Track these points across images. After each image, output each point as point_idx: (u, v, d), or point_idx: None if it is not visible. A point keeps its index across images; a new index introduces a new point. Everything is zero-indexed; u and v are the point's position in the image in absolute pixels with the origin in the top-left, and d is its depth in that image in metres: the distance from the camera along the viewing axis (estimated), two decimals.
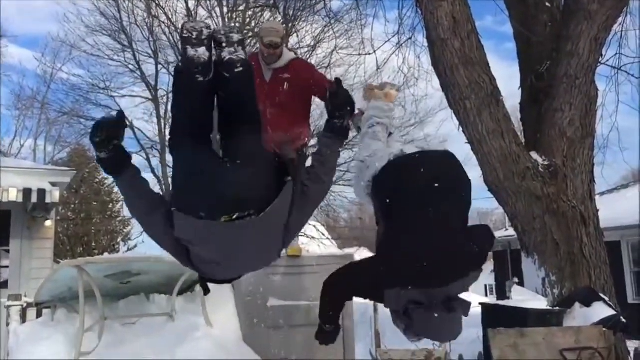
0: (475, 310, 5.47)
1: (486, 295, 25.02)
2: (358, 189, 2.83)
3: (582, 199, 6.02)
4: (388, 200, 2.54)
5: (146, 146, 17.61)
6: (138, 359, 3.74)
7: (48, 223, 9.36)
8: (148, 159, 17.69)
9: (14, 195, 8.29)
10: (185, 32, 2.24)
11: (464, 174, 2.60)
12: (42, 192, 8.44)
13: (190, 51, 2.22)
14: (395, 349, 5.07)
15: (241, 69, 2.27)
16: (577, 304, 5.23)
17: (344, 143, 2.69)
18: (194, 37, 2.23)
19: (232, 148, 2.31)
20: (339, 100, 2.55)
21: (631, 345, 5.36)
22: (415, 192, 2.48)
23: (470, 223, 2.67)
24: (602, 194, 13.68)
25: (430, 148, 2.67)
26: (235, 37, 2.29)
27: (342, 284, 2.65)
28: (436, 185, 2.46)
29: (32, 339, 3.91)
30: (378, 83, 3.25)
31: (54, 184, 8.85)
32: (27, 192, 8.38)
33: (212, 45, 2.27)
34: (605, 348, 4.73)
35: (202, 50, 2.23)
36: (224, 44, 2.26)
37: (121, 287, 4.17)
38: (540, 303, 5.17)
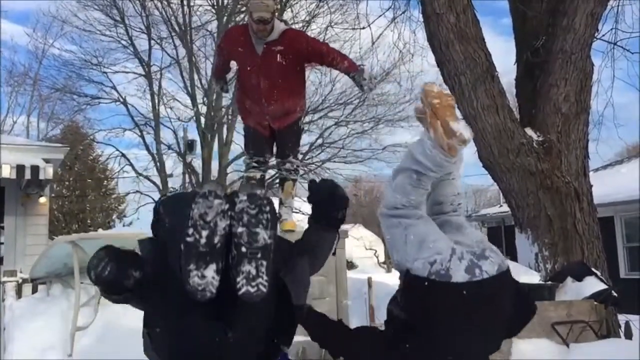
0: None
1: None
2: (383, 229, 2.36)
3: (576, 174, 6.04)
4: (419, 314, 2.16)
5: (140, 123, 17.52)
6: (134, 333, 3.77)
7: (42, 200, 9.35)
8: (142, 136, 17.63)
9: (7, 172, 8.26)
10: (191, 232, 1.69)
11: (515, 302, 2.20)
12: (35, 169, 8.41)
13: (194, 277, 1.69)
14: None
15: (259, 299, 1.75)
16: (569, 279, 5.27)
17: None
18: (202, 241, 1.69)
19: (230, 311, 1.83)
20: (328, 199, 2.20)
21: (622, 318, 5.42)
22: (455, 324, 2.09)
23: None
24: (596, 170, 13.74)
25: (483, 269, 2.09)
26: (262, 237, 1.73)
27: (342, 347, 2.39)
28: (482, 322, 2.10)
29: (27, 314, 3.93)
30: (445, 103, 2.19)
31: (47, 161, 8.82)
32: (20, 169, 8.35)
33: (226, 242, 1.75)
34: (597, 321, 4.79)
35: (210, 274, 1.71)
36: (243, 249, 1.72)
37: None
38: (532, 278, 5.21)
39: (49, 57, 19.52)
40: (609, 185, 12.03)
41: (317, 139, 17.00)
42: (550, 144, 5.98)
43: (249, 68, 4.43)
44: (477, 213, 21.15)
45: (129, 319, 3.88)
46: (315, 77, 14.91)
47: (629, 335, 5.00)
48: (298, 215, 16.14)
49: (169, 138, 18.53)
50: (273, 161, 5.18)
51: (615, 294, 5.21)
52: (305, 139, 16.28)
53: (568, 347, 4.46)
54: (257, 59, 4.33)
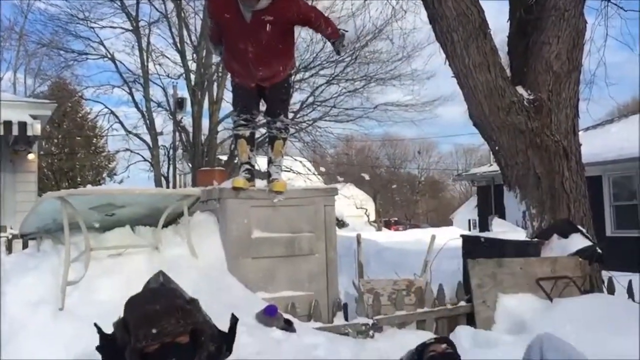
0: (457, 242, 5.61)
1: (469, 229, 25.58)
2: None
3: (566, 133, 6.07)
4: None
5: (129, 80, 17.28)
6: (124, 287, 3.81)
7: (31, 156, 9.31)
8: (131, 93, 17.43)
9: None
10: None
11: None
12: (23, 125, 8.35)
13: None
14: (377, 279, 5.20)
15: None
16: (555, 236, 5.36)
17: None
18: None
19: None
20: None
21: (606, 274, 5.53)
22: None
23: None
24: (586, 129, 13.79)
25: None
26: None
27: None
28: None
29: (18, 269, 3.94)
30: None
31: (34, 117, 8.75)
32: (7, 125, 8.28)
33: None
34: (580, 277, 4.90)
35: None
36: None
37: (106, 219, 4.19)
38: (519, 235, 5.29)
39: (34, 11, 19.10)
40: (598, 145, 12.10)
41: (308, 97, 16.87)
42: (540, 103, 5.98)
43: (236, 35, 4.37)
44: (468, 172, 21.26)
45: (119, 274, 3.92)
46: (306, 34, 14.68)
47: (611, 290, 5.12)
48: (289, 174, 16.16)
49: (158, 95, 18.36)
50: (262, 119, 5.17)
51: (599, 251, 5.31)
52: (296, 97, 16.17)
53: (552, 302, 4.57)
54: (246, 26, 4.25)
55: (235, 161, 14.30)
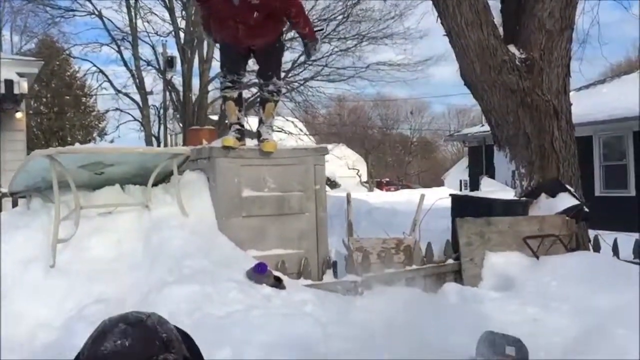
0: (447, 201, 5.66)
1: (461, 189, 25.70)
2: None
3: (556, 92, 6.05)
4: None
5: (117, 37, 16.96)
6: (114, 245, 3.84)
7: (19, 115, 9.21)
8: (119, 51, 17.12)
9: None
10: None
11: None
12: (9, 83, 8.23)
13: None
14: (367, 238, 5.25)
15: None
16: (543, 195, 5.41)
17: None
18: None
19: None
20: None
21: (592, 233, 5.62)
22: None
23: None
24: (578, 89, 13.75)
25: None
26: None
27: None
28: None
29: (8, 227, 3.95)
30: None
31: (21, 75, 8.62)
32: None
33: None
34: (567, 235, 4.97)
35: None
36: None
37: (96, 178, 4.18)
38: (508, 194, 5.34)
39: None
40: (590, 105, 12.09)
41: (299, 56, 16.65)
42: (532, 62, 5.95)
43: (225, 14, 4.38)
44: (459, 133, 21.26)
45: (109, 232, 3.94)
46: None
47: (597, 248, 5.20)
48: (280, 134, 16.05)
49: (147, 54, 18.06)
50: (253, 80, 5.15)
51: (586, 210, 5.37)
52: (288, 56, 15.93)
53: (538, 259, 4.65)
54: (234, 8, 4.26)
55: (226, 121, 14.22)
